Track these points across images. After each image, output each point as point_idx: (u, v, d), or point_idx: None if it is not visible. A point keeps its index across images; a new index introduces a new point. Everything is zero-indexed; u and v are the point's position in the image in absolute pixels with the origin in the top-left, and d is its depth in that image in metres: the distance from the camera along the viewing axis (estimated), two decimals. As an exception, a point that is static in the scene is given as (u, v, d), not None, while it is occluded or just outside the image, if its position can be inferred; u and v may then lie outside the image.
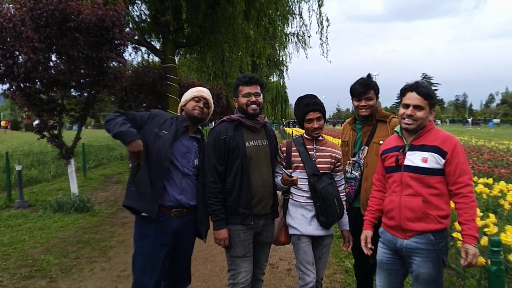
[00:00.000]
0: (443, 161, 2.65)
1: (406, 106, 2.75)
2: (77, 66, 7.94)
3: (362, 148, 3.54)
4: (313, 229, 3.25)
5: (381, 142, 3.37)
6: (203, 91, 3.33)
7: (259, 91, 3.27)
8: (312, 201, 3.24)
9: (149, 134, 3.07)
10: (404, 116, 2.75)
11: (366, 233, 3.02)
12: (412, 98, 2.73)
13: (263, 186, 3.21)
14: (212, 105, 3.38)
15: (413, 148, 2.75)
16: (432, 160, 2.66)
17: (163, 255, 3.08)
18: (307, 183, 3.24)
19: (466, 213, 2.60)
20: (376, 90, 3.55)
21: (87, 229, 7.25)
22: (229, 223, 3.16)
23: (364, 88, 3.50)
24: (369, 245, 2.97)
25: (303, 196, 3.26)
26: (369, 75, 3.60)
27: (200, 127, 3.40)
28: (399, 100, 2.93)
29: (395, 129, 2.99)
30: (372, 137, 3.53)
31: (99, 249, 6.12)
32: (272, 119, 69.79)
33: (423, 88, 2.73)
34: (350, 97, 3.63)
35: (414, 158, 2.71)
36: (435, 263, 2.67)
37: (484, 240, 4.29)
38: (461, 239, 4.52)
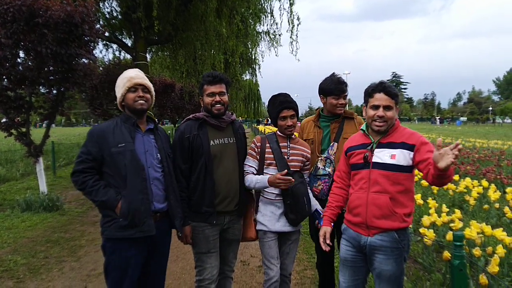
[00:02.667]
0: (412, 154, 2.66)
1: (376, 107, 2.73)
2: (45, 63, 7.79)
3: (332, 144, 3.61)
4: (281, 225, 3.30)
5: None
6: (135, 77, 2.96)
7: (224, 90, 3.24)
8: (281, 198, 3.28)
9: (113, 158, 2.80)
10: (375, 118, 2.73)
11: (325, 229, 3.01)
12: (382, 99, 2.72)
13: (228, 184, 3.21)
14: (152, 87, 3.07)
15: (381, 145, 2.76)
16: (401, 157, 2.68)
17: (139, 264, 2.93)
18: None
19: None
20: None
21: (56, 228, 7.13)
22: (193, 220, 3.19)
23: (344, 87, 3.61)
24: (327, 241, 2.96)
25: (273, 193, 3.30)
26: (333, 74, 3.70)
27: (150, 113, 3.14)
28: (365, 100, 2.92)
29: (361, 127, 3.00)
30: (340, 133, 3.62)
31: (69, 248, 6.03)
32: (245, 117, 69.75)
33: (391, 88, 2.74)
34: (322, 95, 3.69)
35: (382, 155, 2.73)
36: (398, 260, 2.70)
37: (449, 235, 4.45)
38: (428, 235, 4.72)
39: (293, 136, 3.42)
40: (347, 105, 3.74)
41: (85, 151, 2.84)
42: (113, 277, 2.87)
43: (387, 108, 2.71)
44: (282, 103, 3.31)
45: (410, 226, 2.84)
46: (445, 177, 2.47)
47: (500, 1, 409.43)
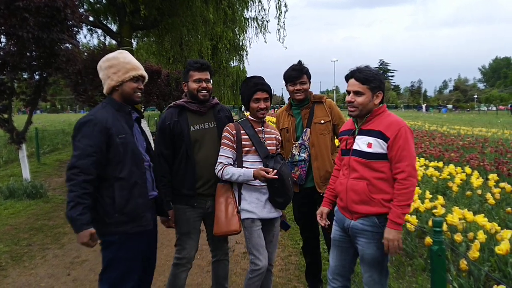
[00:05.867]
0: (386, 145, 2.68)
1: (348, 92, 2.81)
2: (27, 48, 7.63)
3: (304, 130, 3.68)
4: (267, 212, 3.26)
5: (322, 121, 3.64)
6: (141, 68, 2.85)
7: (209, 77, 3.31)
8: (265, 184, 3.22)
9: (115, 148, 2.62)
10: (347, 103, 2.81)
11: (322, 209, 3.12)
12: (352, 84, 2.77)
13: (209, 168, 3.26)
14: (147, 78, 2.99)
15: (361, 132, 2.80)
16: (376, 145, 2.70)
17: (141, 258, 2.85)
18: (261, 166, 3.22)
19: (395, 199, 2.63)
20: (309, 75, 3.75)
21: (39, 215, 7.07)
22: (175, 202, 3.30)
23: (298, 73, 3.68)
24: (324, 220, 3.08)
25: (253, 180, 3.21)
26: (299, 62, 3.77)
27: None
28: None
29: None
30: (312, 118, 3.69)
31: (52, 235, 5.99)
32: (233, 104, 69.52)
33: (360, 73, 2.74)
34: (285, 83, 3.81)
35: (361, 143, 2.77)
36: (379, 245, 2.71)
37: (432, 221, 4.51)
38: (411, 221, 4.78)
39: (264, 120, 3.40)
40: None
41: (92, 143, 2.54)
42: (119, 274, 2.71)
43: (357, 93, 2.73)
44: (256, 84, 3.28)
45: None
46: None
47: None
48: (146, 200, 2.79)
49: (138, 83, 2.82)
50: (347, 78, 2.82)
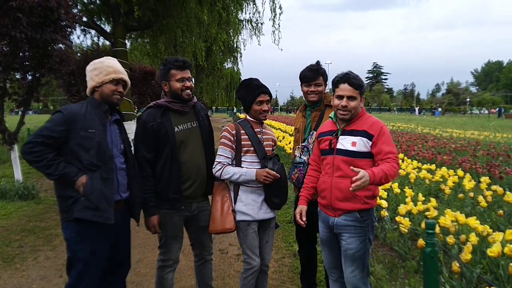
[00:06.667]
0: (370, 143, 2.87)
1: (340, 97, 2.92)
2: (20, 48, 7.58)
3: (311, 133, 3.64)
4: (263, 213, 3.30)
5: None
6: (121, 72, 2.99)
7: (191, 76, 3.27)
8: (262, 184, 3.26)
9: (81, 140, 2.76)
10: (339, 107, 2.92)
11: (301, 208, 3.18)
12: (345, 89, 2.90)
13: (196, 168, 3.25)
14: (129, 83, 3.10)
15: (344, 133, 2.96)
16: (360, 144, 2.88)
17: (105, 257, 2.94)
18: (259, 167, 3.26)
19: (385, 167, 2.71)
20: (325, 77, 3.68)
21: (31, 217, 7.02)
22: (160, 208, 3.21)
23: (314, 74, 3.62)
24: (304, 218, 3.13)
25: (254, 180, 3.25)
26: (318, 62, 3.72)
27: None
28: (332, 89, 3.09)
29: (329, 115, 3.16)
30: (320, 121, 3.63)
31: (44, 237, 5.95)
32: (227, 106, 69.45)
33: (354, 79, 2.91)
34: (300, 83, 3.73)
35: (345, 142, 2.92)
36: (362, 239, 2.92)
37: (424, 223, 4.53)
38: (404, 224, 4.82)
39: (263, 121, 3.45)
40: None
41: (51, 127, 2.74)
42: (80, 270, 2.83)
43: (350, 98, 2.90)
44: (259, 87, 3.31)
45: (374, 207, 3.05)
46: (378, 185, 2.80)
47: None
48: (111, 197, 2.84)
49: (117, 86, 2.95)
50: (339, 83, 2.95)
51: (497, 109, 65.09)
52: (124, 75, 3.00)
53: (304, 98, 3.83)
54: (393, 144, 2.91)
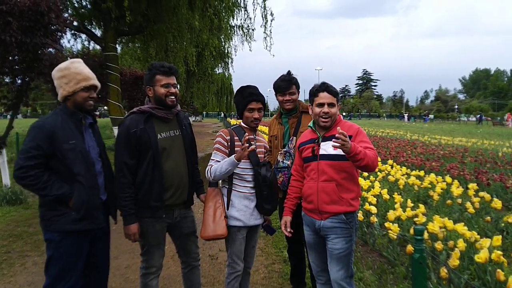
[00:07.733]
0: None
1: (321, 105, 3.08)
2: (9, 52, 7.54)
3: (291, 138, 3.79)
4: (254, 219, 3.36)
5: None
6: (92, 78, 2.96)
7: (176, 82, 3.23)
8: (254, 191, 3.32)
9: (65, 153, 2.78)
10: (321, 114, 3.07)
11: (286, 219, 3.33)
12: (325, 97, 3.08)
13: (178, 176, 3.21)
14: (99, 86, 3.06)
15: (325, 139, 3.09)
16: None
17: (84, 257, 2.96)
18: (252, 173, 3.31)
19: (366, 150, 2.87)
20: (298, 85, 3.89)
21: (19, 222, 6.94)
22: (141, 216, 3.14)
23: (287, 84, 3.82)
24: (289, 229, 3.27)
25: (247, 186, 3.32)
26: (289, 72, 3.92)
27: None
28: (310, 99, 3.20)
29: (308, 124, 3.28)
30: (298, 127, 3.82)
31: (32, 242, 5.88)
32: (217, 111, 69.49)
33: (332, 88, 3.12)
34: (274, 93, 3.93)
35: (327, 148, 3.03)
36: (347, 239, 3.05)
37: (413, 230, 4.57)
38: (393, 229, 4.86)
39: (257, 128, 3.51)
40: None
41: (35, 146, 2.74)
42: (59, 271, 2.87)
43: (330, 105, 3.08)
44: (251, 94, 3.35)
45: (357, 210, 3.16)
46: (355, 161, 2.81)
47: (465, 2, 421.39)
48: (98, 203, 2.95)
49: (89, 92, 2.94)
50: (318, 92, 3.12)
51: (478, 115, 65.87)
52: (94, 80, 2.97)
53: (279, 107, 4.01)
54: (370, 142, 3.07)
